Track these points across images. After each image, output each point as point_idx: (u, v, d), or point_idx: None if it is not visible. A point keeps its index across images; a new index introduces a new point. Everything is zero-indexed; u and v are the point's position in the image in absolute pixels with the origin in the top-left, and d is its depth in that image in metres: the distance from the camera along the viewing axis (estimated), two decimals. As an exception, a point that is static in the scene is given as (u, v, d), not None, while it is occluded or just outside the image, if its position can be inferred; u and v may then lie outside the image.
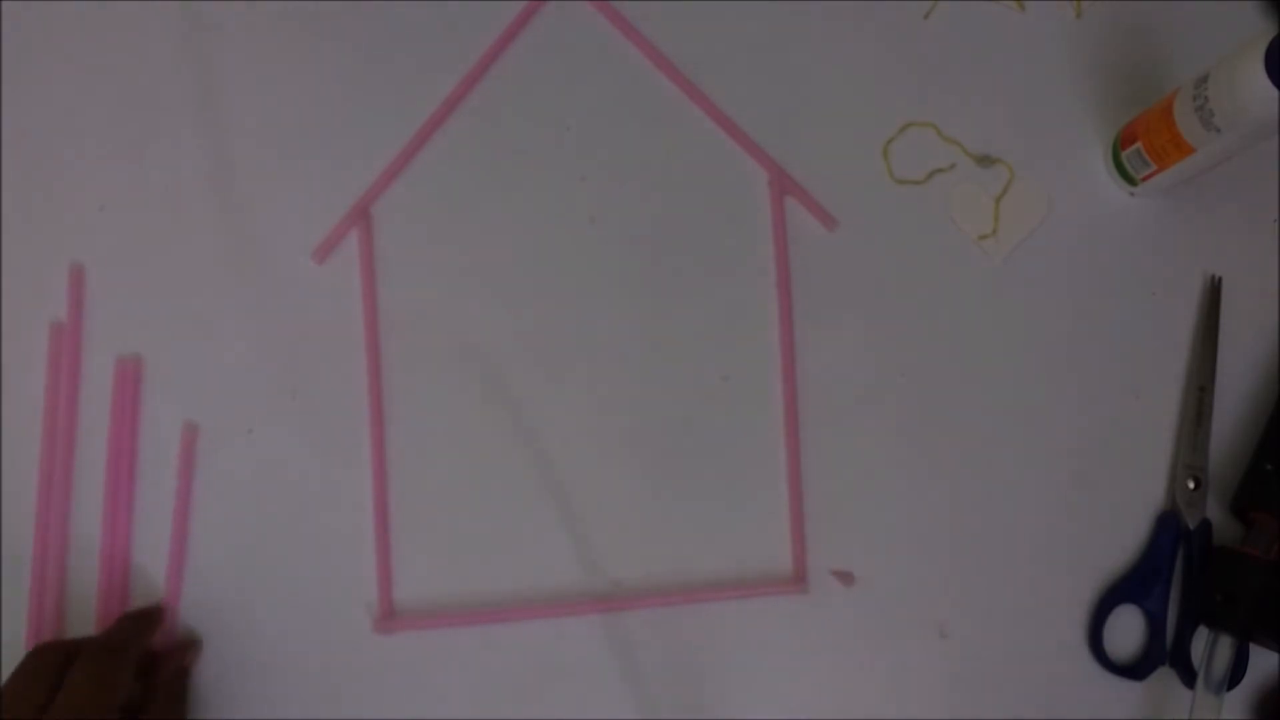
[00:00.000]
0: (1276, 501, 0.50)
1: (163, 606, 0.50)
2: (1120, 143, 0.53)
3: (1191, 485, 0.52)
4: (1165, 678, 0.51)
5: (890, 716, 0.51)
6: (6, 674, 0.43)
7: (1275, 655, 0.51)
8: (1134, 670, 0.50)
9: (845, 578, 0.51)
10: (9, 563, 0.50)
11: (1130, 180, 0.53)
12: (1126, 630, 0.51)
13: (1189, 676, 0.50)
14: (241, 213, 0.54)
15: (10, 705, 0.41)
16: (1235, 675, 0.49)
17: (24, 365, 0.52)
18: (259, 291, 0.53)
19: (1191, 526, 0.51)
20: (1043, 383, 0.53)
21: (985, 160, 0.55)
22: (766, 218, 0.54)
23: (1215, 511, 0.52)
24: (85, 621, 0.50)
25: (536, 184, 0.55)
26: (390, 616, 0.50)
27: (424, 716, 0.50)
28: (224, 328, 0.53)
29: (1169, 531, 0.51)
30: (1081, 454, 0.53)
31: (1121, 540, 0.52)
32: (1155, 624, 0.51)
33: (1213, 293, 0.54)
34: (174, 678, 0.49)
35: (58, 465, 0.51)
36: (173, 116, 0.55)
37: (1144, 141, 0.51)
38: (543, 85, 0.55)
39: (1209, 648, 0.48)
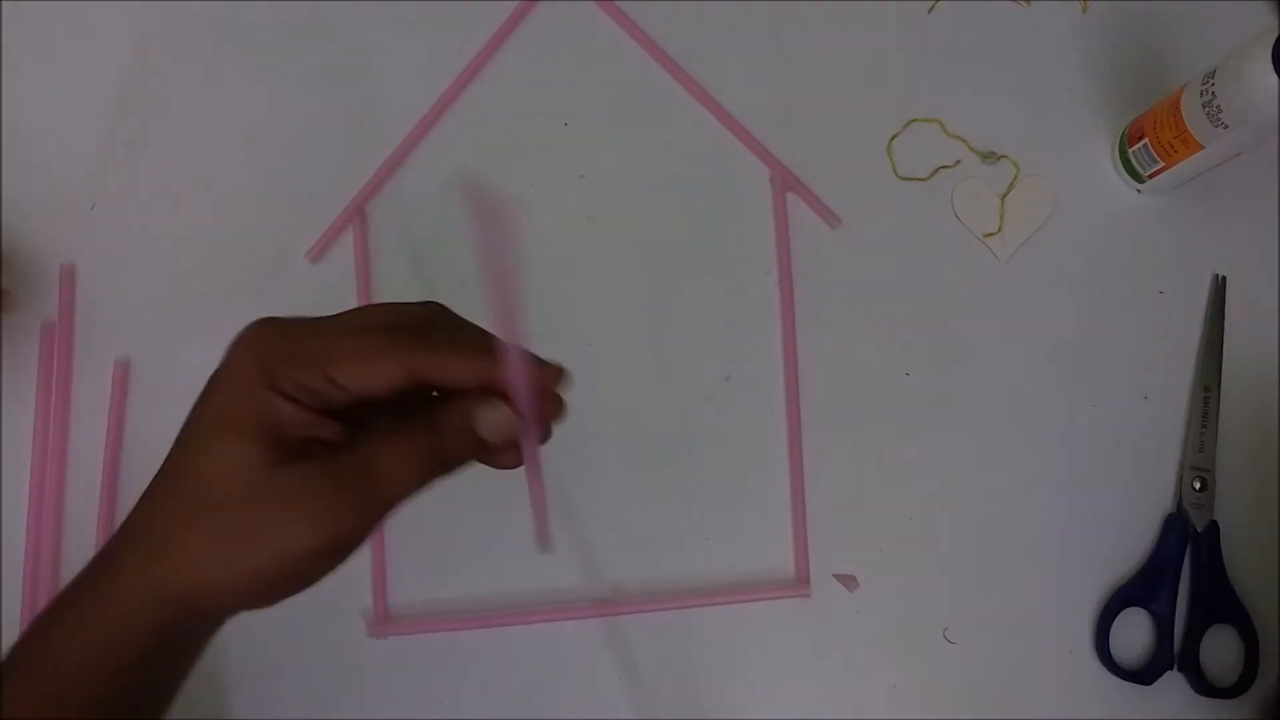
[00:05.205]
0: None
1: None
2: (1127, 139, 0.52)
3: (1198, 487, 0.51)
4: (1173, 681, 0.50)
5: (894, 721, 0.50)
6: None
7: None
8: (1141, 674, 0.50)
9: (848, 581, 0.50)
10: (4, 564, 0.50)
11: (1137, 177, 0.53)
12: (1133, 634, 0.51)
13: (1197, 680, 0.49)
14: (235, 212, 0.53)
15: None
16: (1245, 679, 0.49)
17: (16, 365, 0.51)
18: (253, 291, 0.53)
19: (1199, 528, 0.50)
20: (1048, 382, 0.53)
21: (990, 157, 0.54)
22: (768, 215, 0.54)
23: (1222, 513, 0.51)
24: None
25: (534, 181, 0.54)
26: (385, 621, 0.50)
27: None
28: (217, 328, 0.52)
29: (1176, 534, 0.51)
30: (1088, 455, 0.52)
31: (1128, 543, 0.51)
32: (1163, 627, 0.50)
33: (1218, 292, 0.53)
34: None
35: (50, 464, 0.50)
36: (165, 115, 0.54)
37: (1151, 138, 0.50)
38: (540, 81, 0.55)
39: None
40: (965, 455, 0.52)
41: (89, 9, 0.55)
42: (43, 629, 0.30)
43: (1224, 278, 0.53)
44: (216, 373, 0.30)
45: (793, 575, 0.51)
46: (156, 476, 0.30)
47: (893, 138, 0.55)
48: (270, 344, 0.29)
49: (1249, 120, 0.44)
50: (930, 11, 0.56)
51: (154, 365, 0.52)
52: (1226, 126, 0.45)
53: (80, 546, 0.50)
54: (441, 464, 0.30)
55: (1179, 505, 0.51)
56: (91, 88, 0.54)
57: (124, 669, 0.29)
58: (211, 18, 0.55)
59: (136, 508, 0.30)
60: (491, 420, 0.30)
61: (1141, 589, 0.50)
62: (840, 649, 0.50)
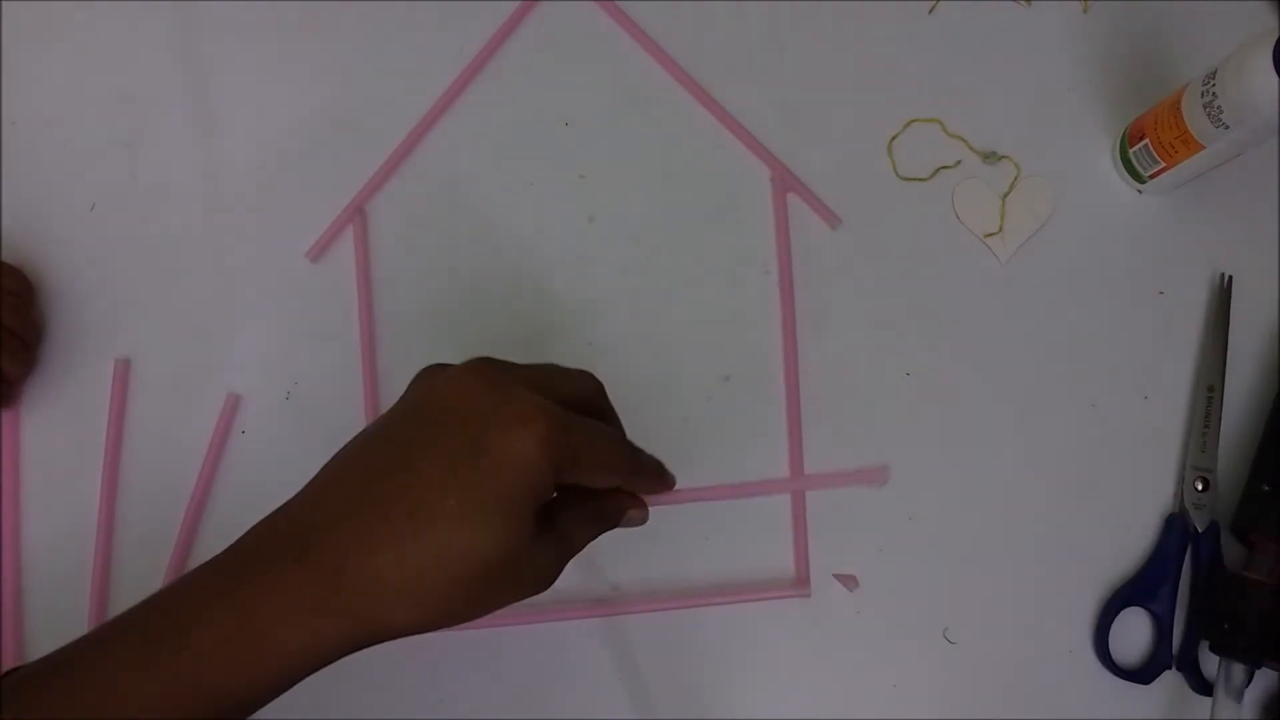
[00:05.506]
0: (1275, 523, 0.49)
1: None
2: (1128, 139, 0.52)
3: (1200, 487, 0.51)
4: (1172, 681, 0.50)
5: (894, 721, 0.50)
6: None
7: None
8: (1140, 674, 0.50)
9: (848, 581, 0.50)
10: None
11: (1138, 177, 0.53)
12: (1133, 633, 0.51)
13: (1196, 680, 0.50)
14: (235, 211, 0.53)
15: None
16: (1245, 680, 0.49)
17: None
18: (252, 291, 0.53)
19: (1200, 529, 0.50)
20: (1049, 383, 0.53)
21: (991, 157, 0.54)
22: (769, 215, 0.54)
23: (1224, 514, 0.51)
24: (68, 625, 0.49)
25: (534, 181, 0.54)
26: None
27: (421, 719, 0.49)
28: (217, 328, 0.52)
29: (1177, 534, 0.51)
30: (1088, 455, 0.52)
31: (1129, 542, 0.51)
32: (1162, 627, 0.50)
33: (1223, 292, 0.53)
34: None
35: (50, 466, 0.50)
36: (165, 114, 0.54)
37: (1152, 138, 0.50)
38: (541, 81, 0.55)
39: (1223, 666, 0.47)
40: (965, 455, 0.52)
41: (89, 9, 0.55)
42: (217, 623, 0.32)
43: (1230, 277, 0.53)
44: (496, 446, 0.32)
45: (793, 575, 0.51)
46: (390, 526, 0.32)
47: (893, 138, 0.55)
48: (563, 450, 0.33)
49: (1249, 120, 0.44)
50: (930, 11, 0.56)
51: (154, 365, 0.52)
52: (1227, 127, 0.45)
53: (79, 547, 0.50)
54: (595, 536, 0.38)
55: (1180, 505, 0.51)
56: (91, 87, 0.54)
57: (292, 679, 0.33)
58: (212, 17, 0.55)
59: (359, 543, 0.32)
60: (638, 518, 0.39)
61: (1142, 589, 0.50)
62: (840, 649, 0.50)
